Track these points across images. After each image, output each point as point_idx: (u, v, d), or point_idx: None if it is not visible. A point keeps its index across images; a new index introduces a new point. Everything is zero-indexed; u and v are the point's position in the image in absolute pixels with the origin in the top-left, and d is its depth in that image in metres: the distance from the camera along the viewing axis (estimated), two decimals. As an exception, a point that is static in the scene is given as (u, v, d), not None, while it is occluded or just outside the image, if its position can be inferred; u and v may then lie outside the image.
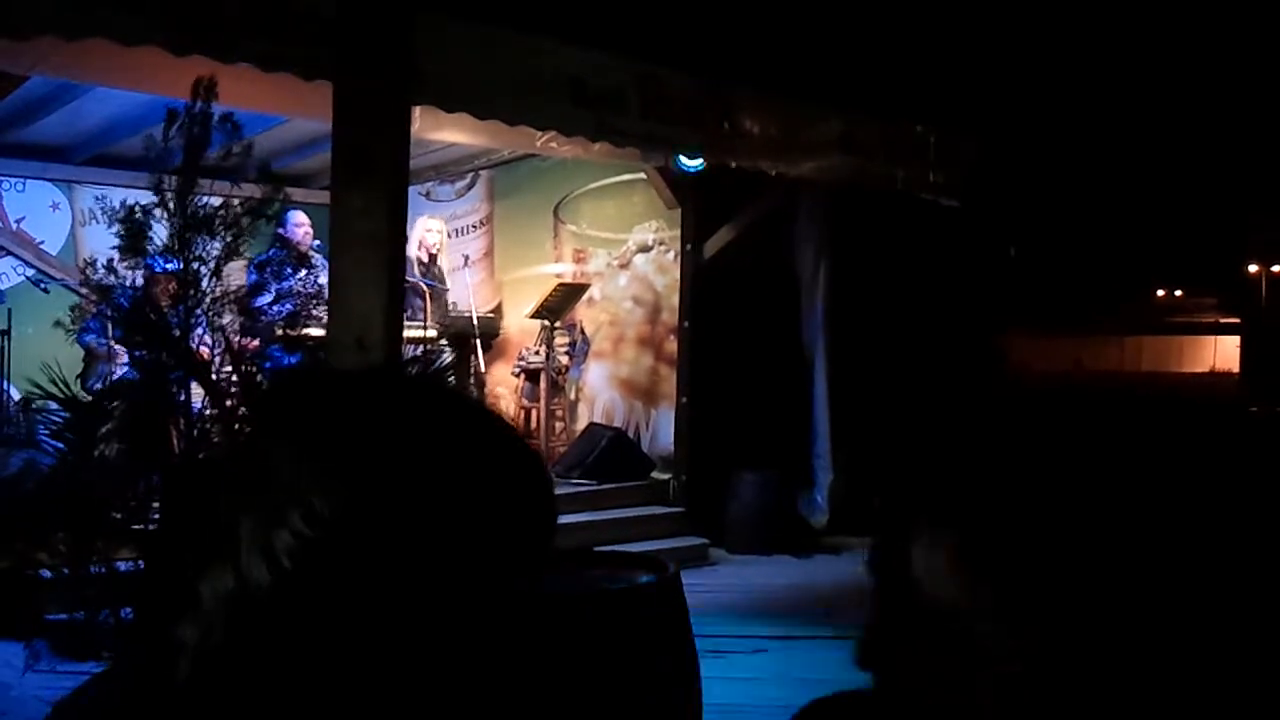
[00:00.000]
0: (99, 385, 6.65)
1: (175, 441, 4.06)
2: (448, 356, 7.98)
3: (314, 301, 6.59)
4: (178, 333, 4.00)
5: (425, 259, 8.48)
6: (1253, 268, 32.38)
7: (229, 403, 4.06)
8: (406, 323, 6.41)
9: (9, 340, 7.52)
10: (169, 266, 4.12)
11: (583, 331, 9.13)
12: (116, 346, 6.43)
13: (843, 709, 0.91)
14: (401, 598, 0.75)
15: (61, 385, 4.04)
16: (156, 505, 3.91)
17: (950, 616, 0.75)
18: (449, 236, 9.38)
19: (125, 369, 6.34)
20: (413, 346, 7.49)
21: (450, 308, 8.77)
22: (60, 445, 3.98)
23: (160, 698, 0.78)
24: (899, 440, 0.84)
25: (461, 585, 0.77)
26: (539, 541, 0.84)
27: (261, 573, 0.74)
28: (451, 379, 7.68)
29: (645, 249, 8.78)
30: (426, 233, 8.54)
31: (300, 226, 7.80)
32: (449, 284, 8.88)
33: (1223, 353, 33.56)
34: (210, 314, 4.09)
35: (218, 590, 0.75)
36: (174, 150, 3.99)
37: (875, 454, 8.15)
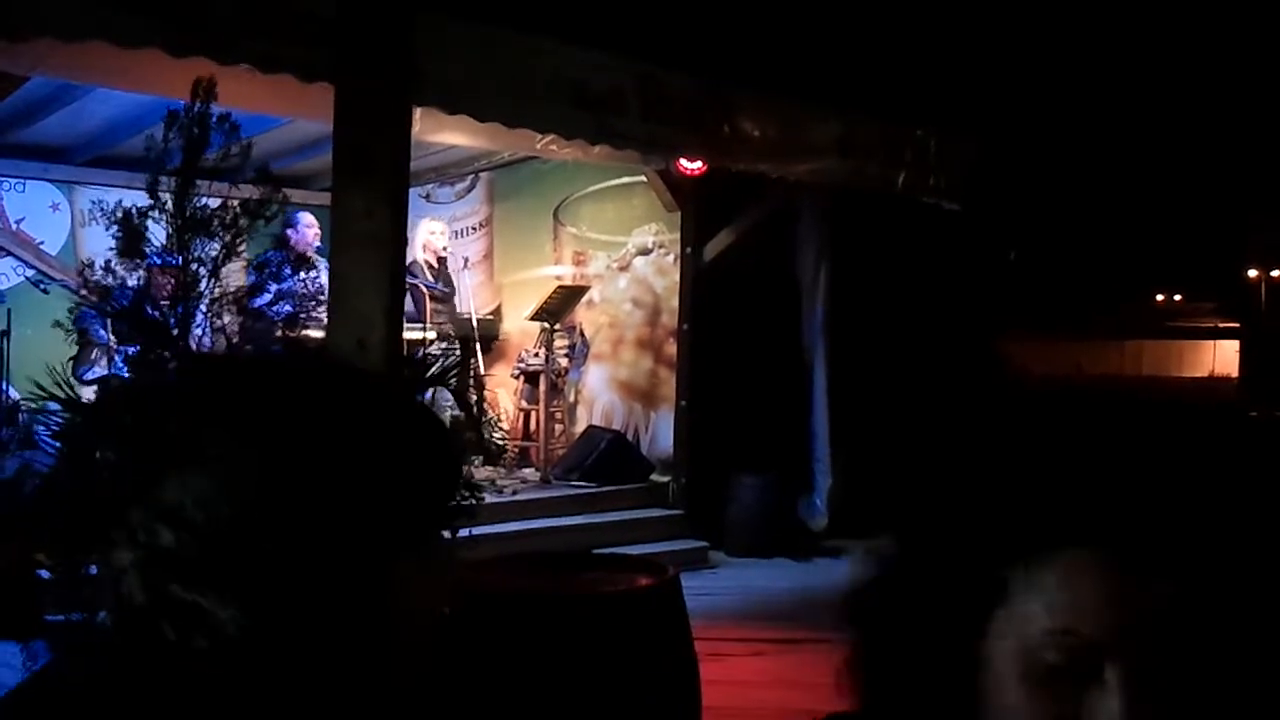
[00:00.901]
0: (90, 373, 6.64)
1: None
2: (452, 358, 7.98)
3: (313, 302, 6.59)
4: (176, 332, 4.00)
5: (435, 262, 8.47)
6: (1252, 272, 32.39)
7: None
8: (409, 325, 6.41)
9: (8, 341, 7.52)
10: (171, 260, 4.12)
11: (582, 334, 9.13)
12: (114, 341, 6.42)
13: None
14: (302, 547, 0.76)
15: (63, 386, 4.03)
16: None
17: (1090, 650, 0.69)
18: (450, 238, 9.38)
19: (120, 364, 6.33)
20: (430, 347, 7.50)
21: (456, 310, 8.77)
22: (59, 445, 3.98)
23: (90, 674, 0.80)
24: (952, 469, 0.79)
25: (357, 537, 0.78)
26: (434, 500, 0.85)
27: (167, 537, 0.76)
28: (453, 380, 7.68)
29: (645, 251, 8.78)
30: (430, 235, 8.53)
31: (310, 228, 7.81)
32: (455, 287, 8.88)
33: (1222, 357, 33.59)
34: (210, 314, 4.09)
35: (123, 558, 0.78)
36: (174, 151, 3.99)
37: (875, 458, 8.15)
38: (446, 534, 0.88)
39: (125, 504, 0.79)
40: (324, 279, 6.56)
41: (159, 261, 4.29)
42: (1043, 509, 0.72)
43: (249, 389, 0.82)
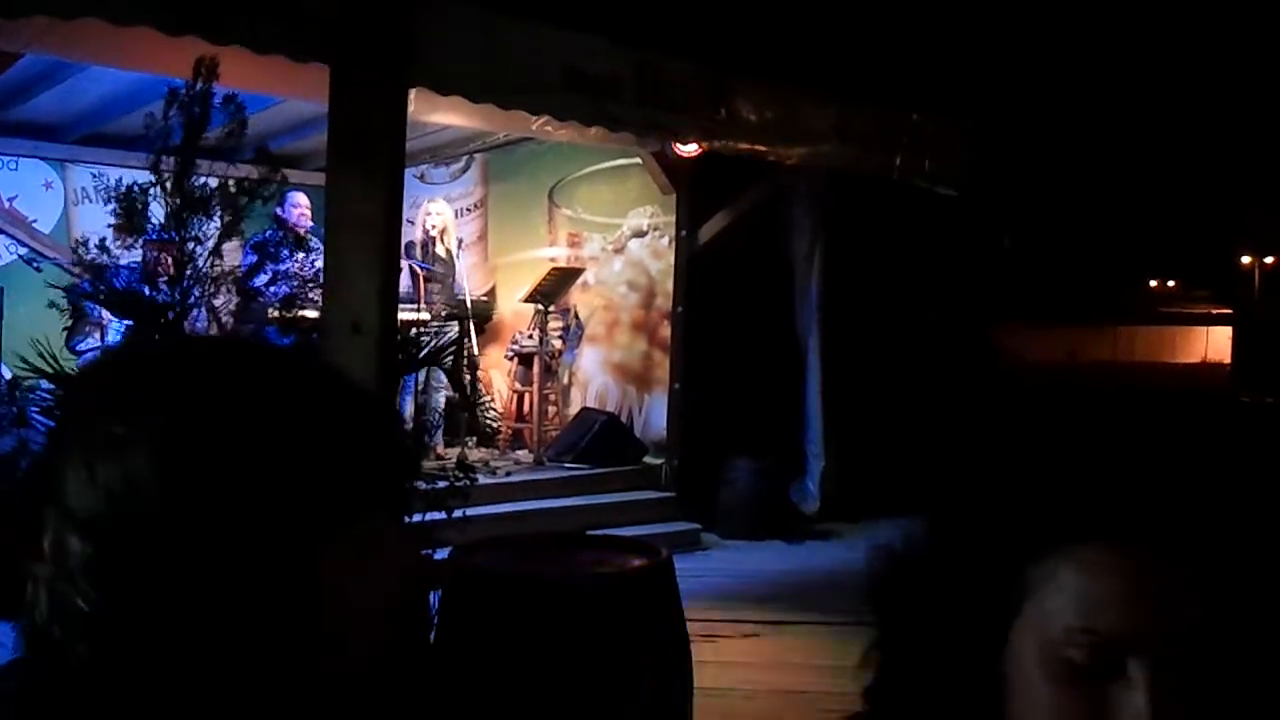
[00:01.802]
0: (84, 343, 6.63)
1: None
2: (450, 335, 7.98)
3: (309, 284, 6.58)
4: (173, 314, 3.99)
5: (434, 243, 8.44)
6: (1246, 259, 32.43)
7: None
8: (404, 305, 6.40)
9: (1, 319, 7.50)
10: (167, 243, 4.11)
11: (576, 316, 9.13)
12: (107, 315, 6.40)
13: None
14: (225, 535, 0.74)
15: (52, 361, 4.02)
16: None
17: (1110, 648, 0.68)
18: (443, 219, 9.36)
19: (113, 338, 6.32)
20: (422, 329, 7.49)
21: (458, 291, 8.75)
22: (51, 423, 3.97)
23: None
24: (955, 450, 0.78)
25: (287, 520, 0.76)
26: (366, 480, 0.82)
27: (72, 543, 0.75)
28: (448, 361, 7.68)
29: (640, 234, 8.77)
30: (428, 216, 8.51)
31: (297, 208, 7.81)
32: (457, 267, 8.86)
33: (1215, 343, 33.66)
34: (205, 294, 4.09)
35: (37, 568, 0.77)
36: (169, 129, 3.98)
37: (868, 443, 8.17)
38: (407, 518, 0.86)
39: (40, 500, 0.77)
40: (319, 261, 6.55)
41: (155, 240, 4.28)
42: (1063, 501, 0.71)
43: (156, 373, 0.80)
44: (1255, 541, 0.68)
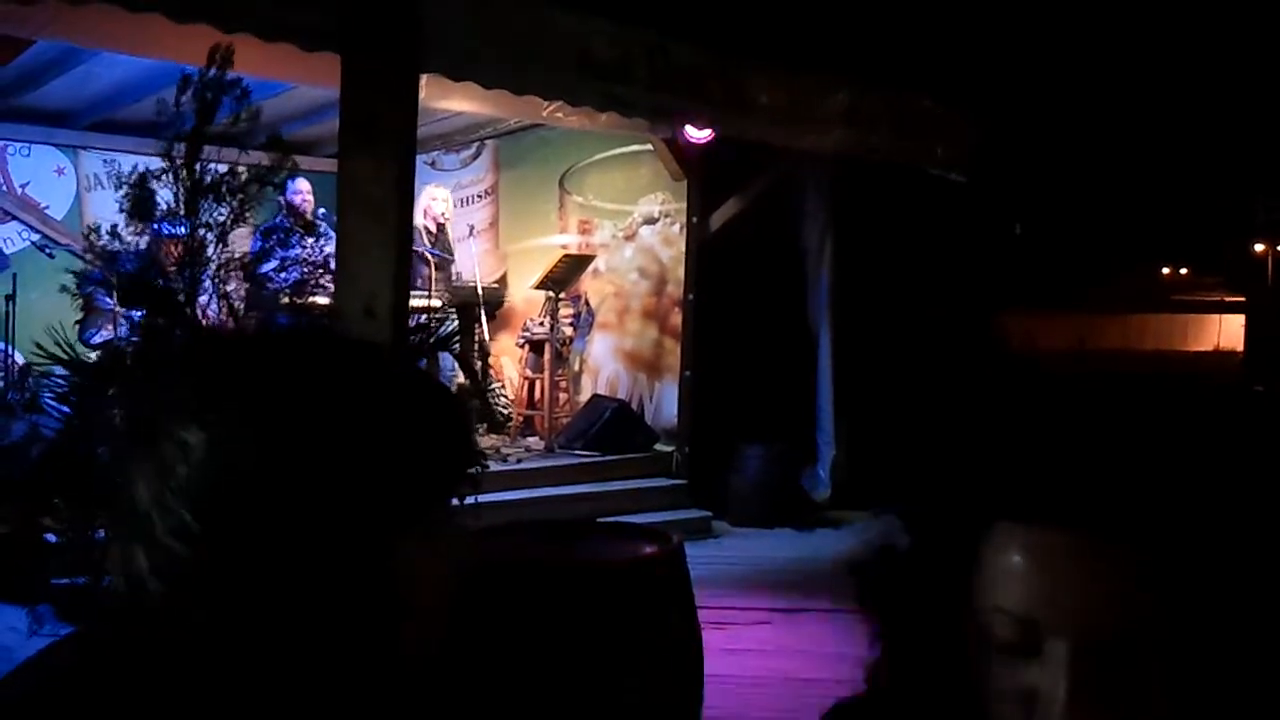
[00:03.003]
0: (96, 336, 6.65)
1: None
2: (453, 324, 7.98)
3: (321, 270, 6.59)
4: (183, 298, 3.99)
5: (434, 229, 8.46)
6: (1259, 246, 32.26)
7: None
8: (413, 293, 6.40)
9: (14, 305, 7.53)
10: (177, 231, 4.12)
11: (587, 303, 9.13)
12: (119, 307, 6.43)
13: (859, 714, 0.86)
14: (304, 526, 0.76)
15: (66, 347, 4.03)
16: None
17: (1026, 621, 0.70)
18: (454, 206, 9.35)
19: (124, 328, 6.33)
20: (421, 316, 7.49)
21: (455, 278, 8.76)
22: (65, 409, 3.98)
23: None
24: (934, 430, 0.80)
25: (363, 513, 0.78)
26: (441, 471, 0.85)
27: (172, 514, 0.76)
28: (456, 347, 7.69)
29: (651, 221, 8.76)
30: (432, 201, 8.51)
31: (299, 194, 7.81)
32: (455, 254, 8.87)
33: (1228, 331, 33.50)
34: (216, 280, 4.09)
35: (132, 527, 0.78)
36: (181, 115, 3.98)
37: (879, 430, 8.16)
38: (454, 502, 0.88)
39: (131, 474, 0.78)
40: (330, 247, 6.56)
41: (167, 227, 4.29)
42: (1013, 483, 0.72)
43: (253, 360, 0.82)
44: (1186, 527, 0.68)
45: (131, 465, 0.78)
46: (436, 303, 7.96)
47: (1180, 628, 0.67)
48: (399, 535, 0.80)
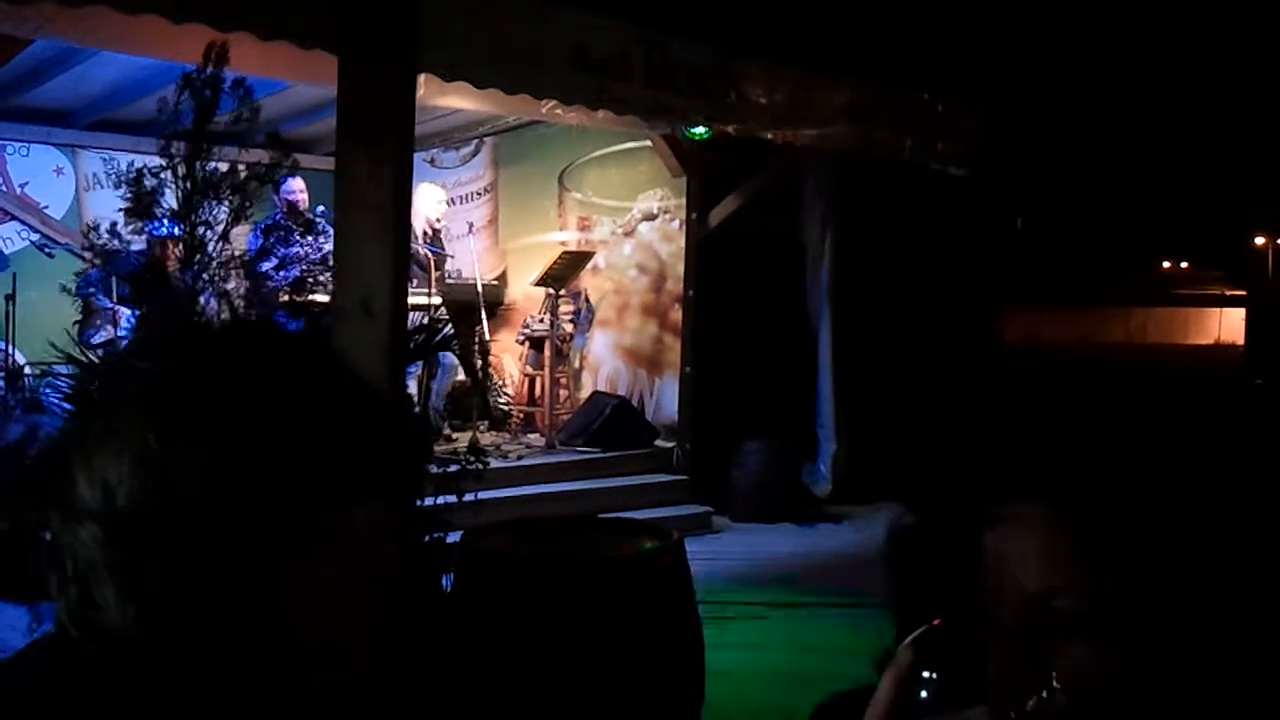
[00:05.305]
0: (96, 337, 6.66)
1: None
2: (448, 326, 7.97)
3: (319, 268, 6.59)
4: (184, 297, 4.00)
5: (430, 232, 8.45)
6: (1259, 240, 32.26)
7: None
8: (411, 291, 6.39)
9: (14, 305, 7.53)
10: (175, 231, 4.12)
11: (587, 300, 9.12)
12: (119, 307, 6.43)
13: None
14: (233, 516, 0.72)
15: (70, 346, 4.04)
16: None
17: (1035, 598, 0.72)
18: (453, 204, 9.35)
19: (125, 330, 6.34)
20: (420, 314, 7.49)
21: (454, 275, 8.75)
22: (68, 407, 3.99)
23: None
24: (941, 419, 0.82)
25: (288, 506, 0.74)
26: (343, 480, 0.78)
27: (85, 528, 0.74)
28: (456, 347, 7.69)
29: (650, 217, 8.76)
30: (426, 200, 8.49)
31: (292, 193, 7.80)
32: (451, 251, 8.86)
33: (1228, 325, 33.49)
34: (215, 278, 4.09)
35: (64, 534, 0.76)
36: (180, 114, 3.98)
37: (880, 425, 8.16)
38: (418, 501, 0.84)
39: (58, 484, 0.77)
40: (328, 245, 6.56)
41: (166, 225, 4.29)
42: (1011, 469, 0.75)
43: (159, 367, 0.79)
44: (1176, 511, 0.70)
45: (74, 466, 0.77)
46: (436, 300, 7.95)
47: (1171, 601, 0.68)
48: (279, 552, 0.72)
